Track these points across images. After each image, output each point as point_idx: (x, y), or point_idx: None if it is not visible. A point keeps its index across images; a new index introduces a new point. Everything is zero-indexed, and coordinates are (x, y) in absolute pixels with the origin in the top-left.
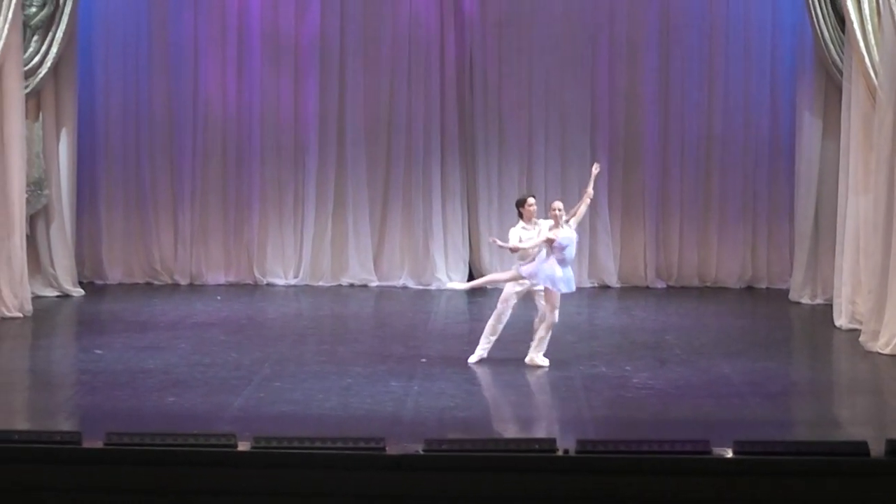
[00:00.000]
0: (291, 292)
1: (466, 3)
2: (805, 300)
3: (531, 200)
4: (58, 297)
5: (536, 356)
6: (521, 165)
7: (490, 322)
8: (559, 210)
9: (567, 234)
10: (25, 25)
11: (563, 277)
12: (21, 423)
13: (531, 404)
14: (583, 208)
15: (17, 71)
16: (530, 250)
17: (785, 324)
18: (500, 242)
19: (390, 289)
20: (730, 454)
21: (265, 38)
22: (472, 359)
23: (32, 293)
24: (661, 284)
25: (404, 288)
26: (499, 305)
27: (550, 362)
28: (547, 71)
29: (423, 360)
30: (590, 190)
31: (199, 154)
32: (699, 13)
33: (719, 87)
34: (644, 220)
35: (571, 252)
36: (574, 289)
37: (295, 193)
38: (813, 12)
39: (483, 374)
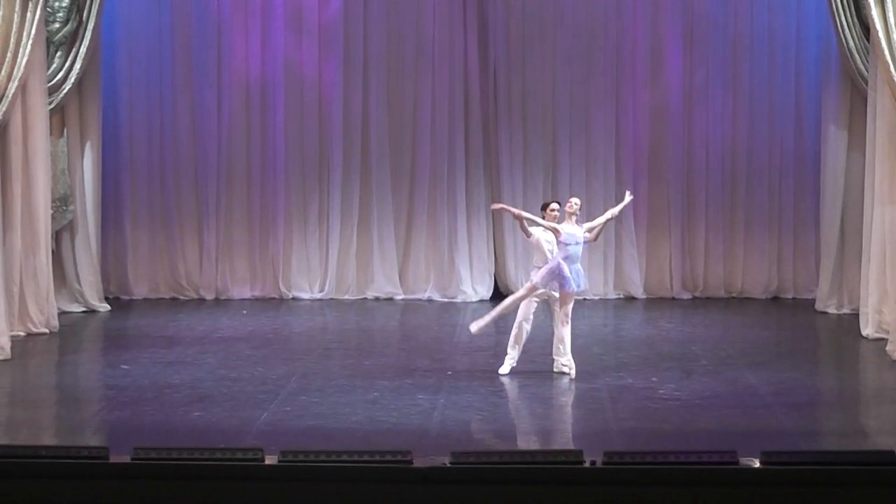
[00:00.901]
0: (317, 306)
1: (490, 16)
2: (831, 310)
3: (554, 205)
4: (84, 312)
5: (564, 359)
6: (546, 178)
7: (513, 331)
8: (575, 204)
9: (573, 231)
10: (49, 41)
11: (569, 276)
12: (48, 439)
13: (557, 416)
14: (600, 220)
15: (41, 87)
16: (532, 231)
17: (811, 334)
18: (498, 205)
19: (416, 302)
20: (757, 465)
21: (288, 54)
22: (503, 369)
23: (58, 309)
24: (686, 295)
25: (430, 301)
26: (518, 314)
27: (577, 373)
28: (571, 83)
29: (449, 372)
30: (615, 211)
31: (224, 168)
32: (723, 24)
33: (744, 97)
34: (669, 231)
35: (577, 251)
36: (583, 286)
37: (320, 207)
38: (838, 21)
39: (509, 386)
